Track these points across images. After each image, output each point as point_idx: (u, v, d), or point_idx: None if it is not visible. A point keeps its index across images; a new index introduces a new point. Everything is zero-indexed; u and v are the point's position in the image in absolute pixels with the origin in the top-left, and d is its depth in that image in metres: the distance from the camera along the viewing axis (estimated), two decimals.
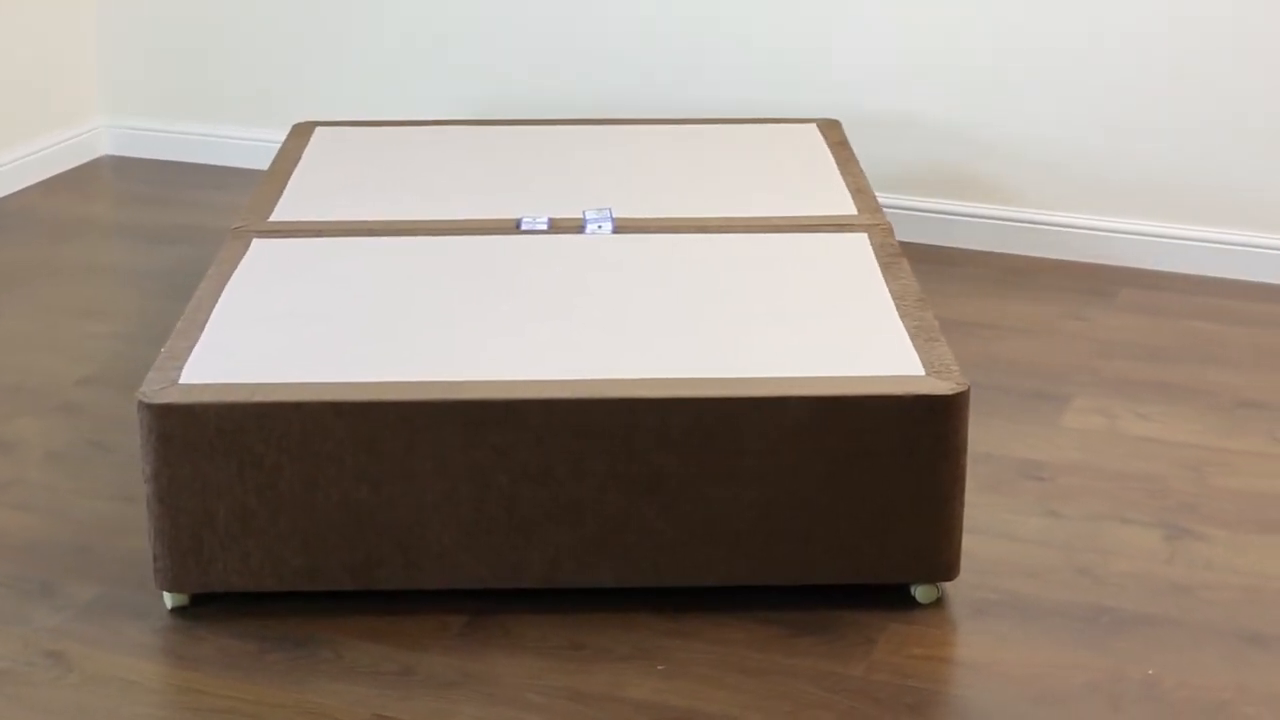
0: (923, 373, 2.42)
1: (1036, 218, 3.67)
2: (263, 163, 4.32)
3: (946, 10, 3.65)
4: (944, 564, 2.45)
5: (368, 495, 2.40)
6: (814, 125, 3.52)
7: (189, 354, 2.50)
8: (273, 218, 3.02)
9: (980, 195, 3.72)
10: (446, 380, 2.41)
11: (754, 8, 3.79)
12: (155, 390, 2.39)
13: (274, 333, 2.58)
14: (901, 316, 2.60)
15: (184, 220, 3.98)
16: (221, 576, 2.44)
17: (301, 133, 3.49)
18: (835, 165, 3.27)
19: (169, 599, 2.48)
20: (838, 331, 2.56)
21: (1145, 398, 3.04)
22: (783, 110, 3.74)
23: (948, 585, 2.49)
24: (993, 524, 2.67)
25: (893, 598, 2.48)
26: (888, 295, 2.67)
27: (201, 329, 2.58)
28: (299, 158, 3.32)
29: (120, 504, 2.74)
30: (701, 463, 2.39)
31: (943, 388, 2.38)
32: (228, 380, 2.42)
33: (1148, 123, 3.58)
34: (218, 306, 2.66)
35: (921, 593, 2.48)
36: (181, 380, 2.42)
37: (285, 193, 3.13)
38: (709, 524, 2.42)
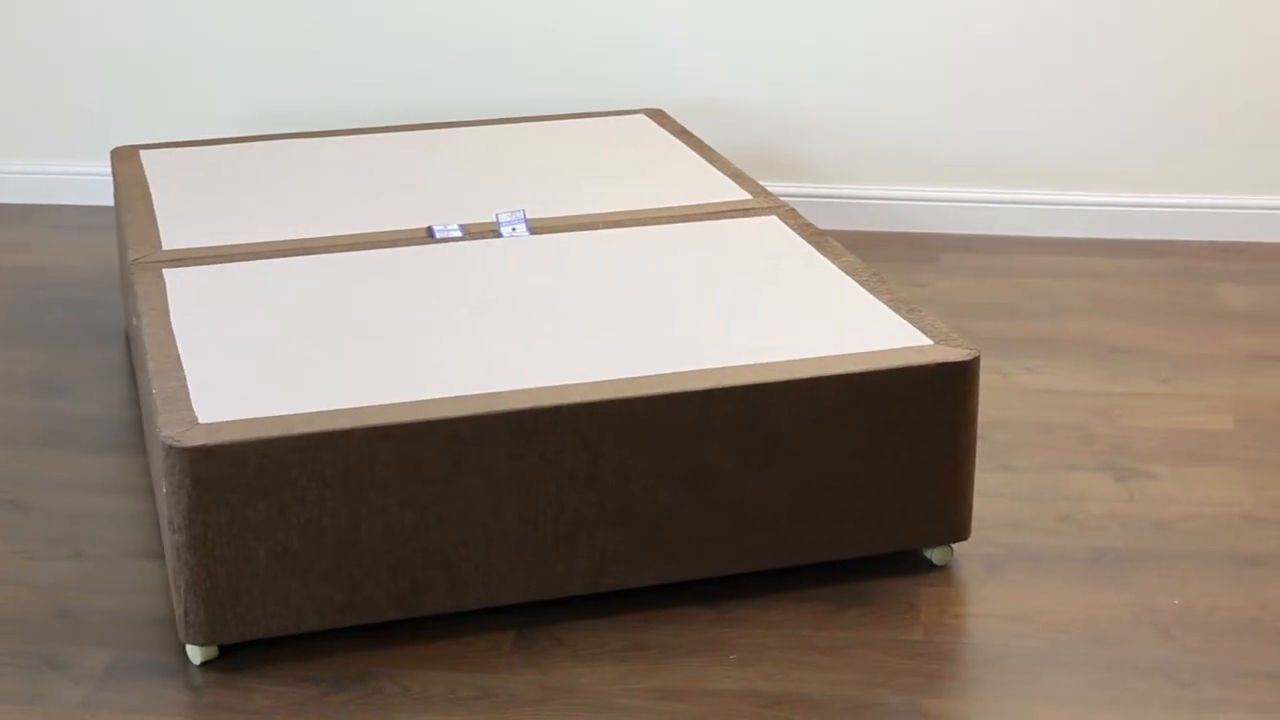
0: (930, 342, 2.50)
1: (850, 193, 3.79)
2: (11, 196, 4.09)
3: None
4: (960, 525, 2.54)
5: (413, 520, 2.32)
6: (644, 115, 3.55)
7: (188, 393, 2.36)
8: (166, 246, 2.86)
9: (793, 176, 3.82)
10: (490, 392, 2.35)
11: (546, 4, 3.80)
12: (181, 433, 2.25)
13: (259, 362, 2.45)
14: (871, 292, 2.66)
15: None
16: (261, 622, 2.32)
17: (126, 157, 3.30)
18: (694, 153, 3.31)
19: (198, 653, 2.33)
20: (822, 312, 2.60)
21: (1025, 353, 3.20)
22: (589, 104, 3.75)
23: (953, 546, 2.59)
24: None
25: (908, 563, 2.55)
26: (841, 273, 2.74)
27: (180, 366, 2.44)
28: (146, 183, 3.15)
29: (73, 562, 2.56)
30: (740, 451, 2.40)
31: (958, 354, 2.46)
32: (248, 415, 2.30)
33: (946, 96, 3.76)
34: (180, 342, 2.51)
35: (937, 555, 2.56)
36: (203, 420, 2.29)
37: (160, 220, 2.97)
38: (747, 511, 2.43)
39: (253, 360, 2.47)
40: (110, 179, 3.46)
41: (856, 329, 2.54)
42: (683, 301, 2.65)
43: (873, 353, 2.46)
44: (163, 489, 2.28)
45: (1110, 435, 2.92)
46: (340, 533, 2.30)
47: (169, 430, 2.26)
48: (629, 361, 2.44)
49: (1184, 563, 2.56)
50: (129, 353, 3.20)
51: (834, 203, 3.77)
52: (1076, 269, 3.63)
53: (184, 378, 2.41)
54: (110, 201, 3.86)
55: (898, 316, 2.58)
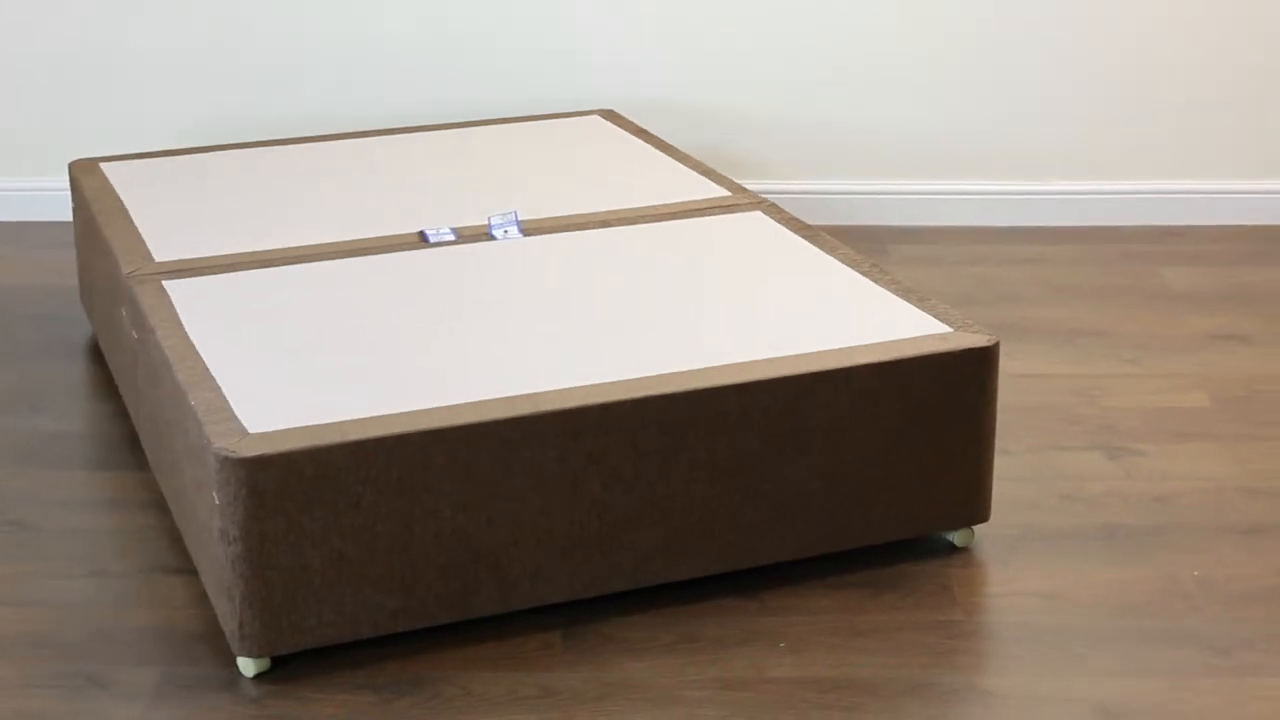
0: (950, 330, 2.55)
1: (799, 188, 3.84)
2: None
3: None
4: (982, 508, 2.59)
5: (464, 522, 2.32)
6: (597, 116, 3.57)
7: (228, 403, 2.33)
8: (159, 258, 2.82)
9: (745, 172, 3.85)
10: (536, 392, 2.35)
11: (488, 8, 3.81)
12: (235, 443, 2.23)
13: (288, 370, 2.44)
14: (876, 283, 2.71)
15: None
16: (315, 631, 2.30)
17: (87, 169, 3.24)
18: (659, 152, 3.34)
19: (251, 665, 2.31)
20: (836, 304, 2.65)
21: None
22: (533, 106, 3.75)
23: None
24: None
25: (929, 547, 2.60)
26: (842, 265, 2.78)
27: (211, 377, 2.41)
28: (117, 196, 3.10)
29: (97, 580, 2.53)
30: (776, 441, 2.43)
31: (979, 340, 2.52)
32: (296, 424, 2.28)
33: (889, 92, 3.84)
34: (204, 353, 2.48)
35: (959, 537, 2.61)
36: (253, 430, 2.26)
37: (144, 233, 2.92)
38: (784, 501, 2.47)
39: (281, 368, 2.45)
40: (67, 192, 3.39)
41: (875, 320, 2.59)
42: (696, 297, 2.67)
43: (898, 341, 2.51)
44: (214, 500, 2.25)
45: (1093, 416, 3.00)
46: (393, 538, 2.30)
47: (221, 442, 2.24)
48: (664, 358, 2.46)
49: (1191, 535, 2.64)
50: (101, 367, 3.14)
51: (781, 198, 3.82)
52: (1023, 256, 3.71)
53: (218, 388, 2.38)
54: (55, 216, 3.79)
55: (910, 306, 2.63)
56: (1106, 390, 3.09)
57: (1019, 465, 2.83)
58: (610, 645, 2.39)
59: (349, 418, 2.30)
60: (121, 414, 2.99)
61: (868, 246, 3.69)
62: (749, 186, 3.69)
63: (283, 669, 2.33)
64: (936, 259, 3.69)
